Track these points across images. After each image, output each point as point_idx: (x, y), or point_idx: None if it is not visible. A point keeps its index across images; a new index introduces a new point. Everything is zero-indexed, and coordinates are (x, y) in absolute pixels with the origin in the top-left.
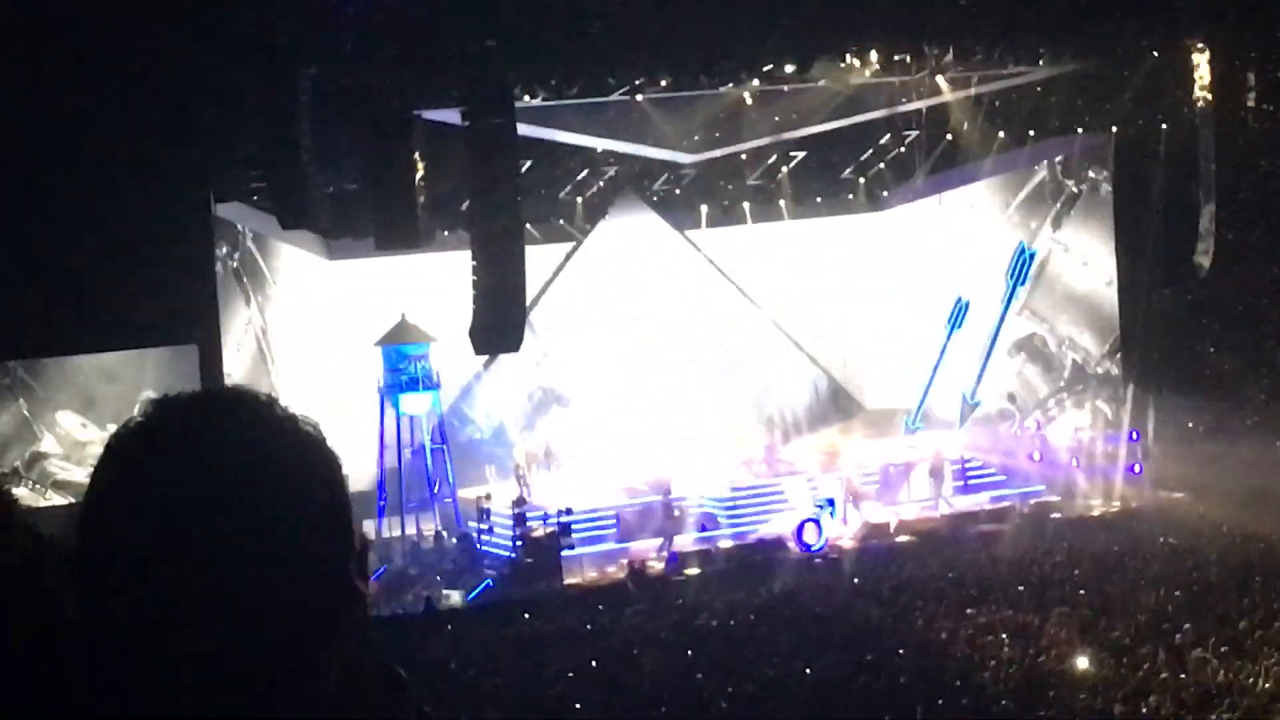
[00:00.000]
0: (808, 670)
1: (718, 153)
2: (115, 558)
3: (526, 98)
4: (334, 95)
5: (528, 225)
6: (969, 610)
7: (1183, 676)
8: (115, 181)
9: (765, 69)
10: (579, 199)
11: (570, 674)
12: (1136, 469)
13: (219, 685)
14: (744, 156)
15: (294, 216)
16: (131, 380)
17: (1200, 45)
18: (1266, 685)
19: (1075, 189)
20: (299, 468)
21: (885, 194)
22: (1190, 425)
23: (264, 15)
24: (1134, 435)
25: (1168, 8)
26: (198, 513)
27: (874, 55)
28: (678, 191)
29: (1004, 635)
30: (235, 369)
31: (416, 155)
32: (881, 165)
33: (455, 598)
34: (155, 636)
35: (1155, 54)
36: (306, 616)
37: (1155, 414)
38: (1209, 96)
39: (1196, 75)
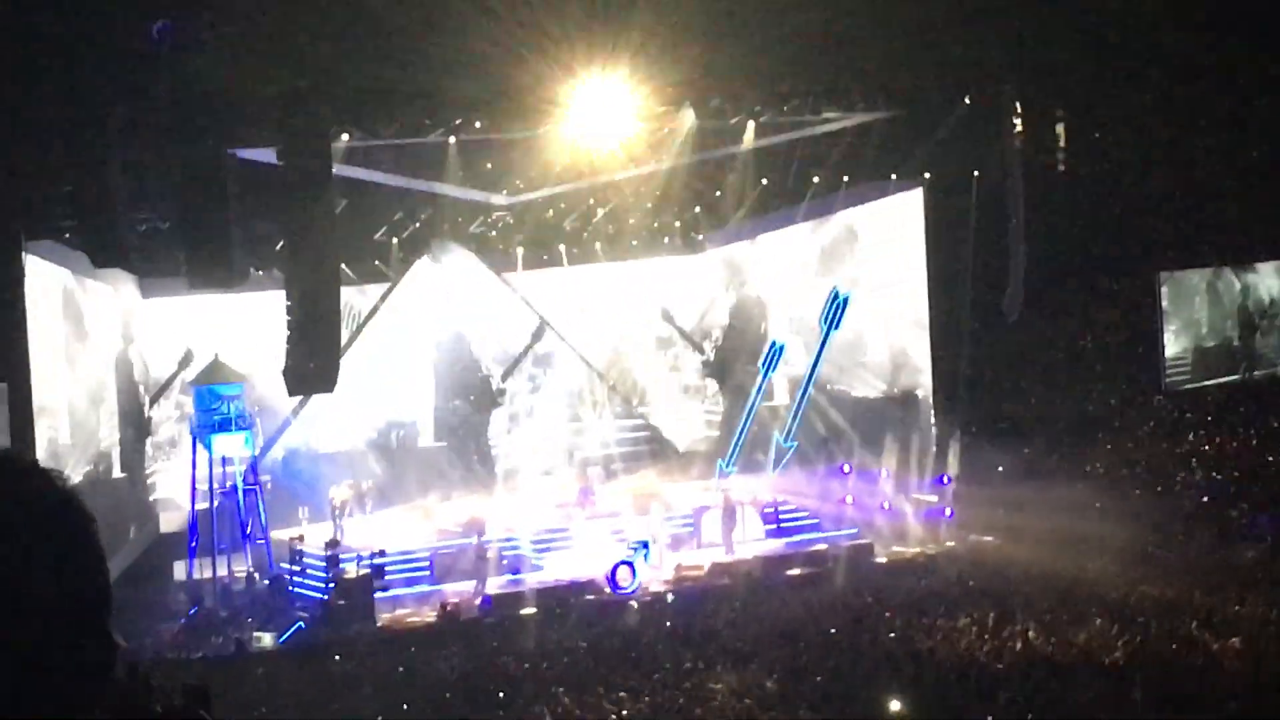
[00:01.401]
0: (623, 712)
1: (534, 195)
2: None
3: (344, 137)
4: (147, 133)
5: (343, 265)
6: (781, 653)
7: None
8: None
9: (582, 112)
10: (395, 239)
11: (381, 717)
12: (947, 512)
13: None
14: (560, 199)
15: (106, 255)
16: None
17: (1011, 95)
18: None
19: (888, 235)
20: (46, 529)
21: (700, 237)
22: (1000, 470)
23: (76, 52)
24: (945, 479)
25: (980, 58)
26: None
27: (691, 99)
28: (494, 233)
29: (817, 678)
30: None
31: (230, 194)
32: (697, 209)
33: (267, 639)
34: None
35: (967, 102)
36: (56, 669)
37: (966, 458)
38: (1019, 145)
39: (1007, 124)
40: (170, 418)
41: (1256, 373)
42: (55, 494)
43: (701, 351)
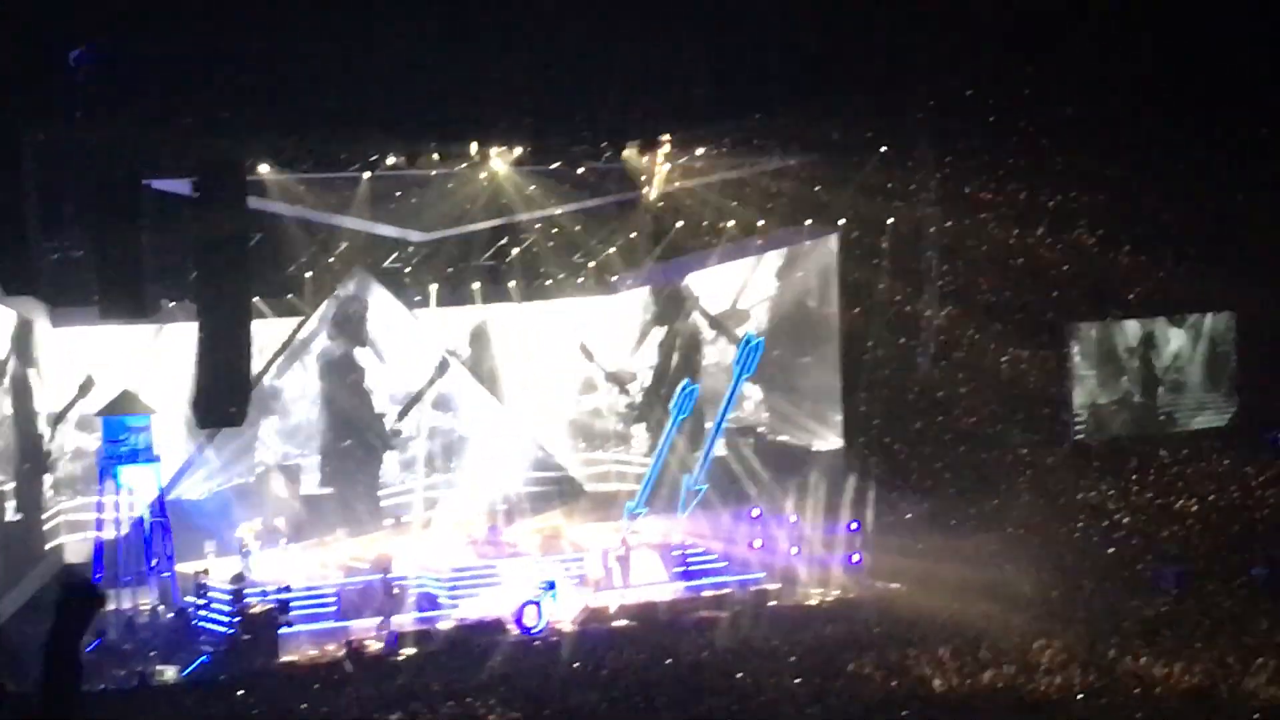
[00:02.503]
0: None
1: (448, 232)
2: None
3: (263, 168)
4: (59, 159)
5: (255, 298)
6: (685, 695)
7: None
8: None
9: (499, 151)
10: (308, 273)
11: None
12: (856, 559)
13: None
14: (475, 237)
15: (16, 281)
16: None
17: (926, 142)
18: None
19: (802, 280)
20: None
21: (614, 278)
22: (910, 517)
23: None
24: (854, 525)
25: (896, 105)
26: None
27: (607, 140)
28: (408, 269)
29: None
30: None
31: (143, 225)
32: (612, 250)
33: (170, 673)
34: None
35: (883, 149)
36: None
37: (875, 505)
38: (935, 194)
39: (923, 172)
40: (69, 452)
41: (1163, 431)
42: None
43: (625, 390)
